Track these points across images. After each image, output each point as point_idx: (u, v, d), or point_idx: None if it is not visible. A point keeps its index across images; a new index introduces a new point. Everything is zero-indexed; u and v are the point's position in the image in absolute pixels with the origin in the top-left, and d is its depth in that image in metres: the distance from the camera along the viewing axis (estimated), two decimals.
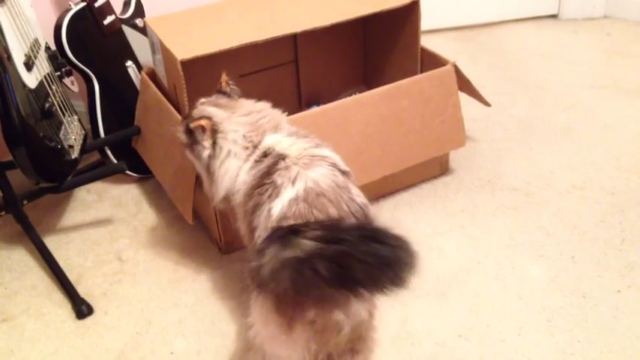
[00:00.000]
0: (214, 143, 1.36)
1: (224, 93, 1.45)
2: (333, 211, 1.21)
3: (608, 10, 2.63)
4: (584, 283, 1.55)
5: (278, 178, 1.25)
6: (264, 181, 1.27)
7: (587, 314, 1.47)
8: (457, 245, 1.69)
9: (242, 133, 1.36)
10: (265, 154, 1.33)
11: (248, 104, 1.42)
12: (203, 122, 1.35)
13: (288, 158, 1.27)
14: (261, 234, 1.24)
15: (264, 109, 1.42)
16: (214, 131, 1.36)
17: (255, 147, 1.36)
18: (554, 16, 2.68)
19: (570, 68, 2.37)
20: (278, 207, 1.21)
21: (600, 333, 1.42)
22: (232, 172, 1.35)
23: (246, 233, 1.35)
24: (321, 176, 1.24)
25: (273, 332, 1.18)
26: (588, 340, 1.41)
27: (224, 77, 1.46)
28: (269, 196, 1.25)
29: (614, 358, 1.37)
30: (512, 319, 1.47)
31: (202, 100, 1.44)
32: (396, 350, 1.42)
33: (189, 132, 1.38)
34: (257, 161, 1.34)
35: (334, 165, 1.28)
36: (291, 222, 1.18)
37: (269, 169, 1.30)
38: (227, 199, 1.38)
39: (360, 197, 1.27)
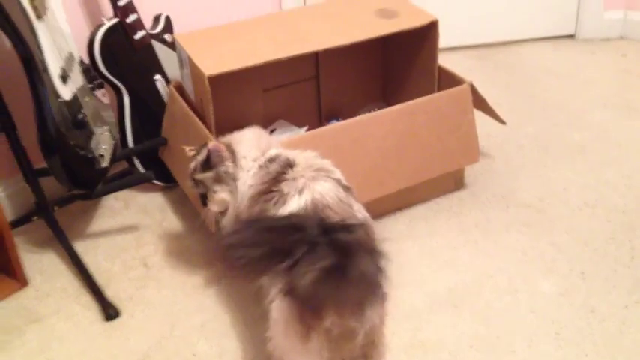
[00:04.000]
0: (233, 165, 1.45)
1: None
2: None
3: (624, 32, 2.68)
4: (592, 298, 1.60)
5: (285, 187, 1.33)
6: (272, 189, 1.35)
7: (595, 328, 1.52)
8: (470, 259, 1.74)
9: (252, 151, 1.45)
10: (271, 160, 1.42)
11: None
12: (220, 146, 1.45)
13: (295, 167, 1.36)
14: None
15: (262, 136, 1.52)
16: (233, 153, 1.46)
17: (262, 154, 1.45)
18: (571, 37, 2.73)
19: (585, 88, 2.42)
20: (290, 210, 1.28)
21: (607, 347, 1.47)
22: (241, 187, 1.44)
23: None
24: (326, 190, 1.31)
25: (293, 342, 1.24)
26: (595, 353, 1.46)
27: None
28: (275, 203, 1.32)
29: None
30: (522, 331, 1.53)
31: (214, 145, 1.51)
32: (409, 358, 1.48)
33: (208, 155, 1.46)
34: (261, 166, 1.42)
35: (338, 181, 1.36)
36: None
37: (277, 175, 1.37)
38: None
39: (361, 213, 1.34)
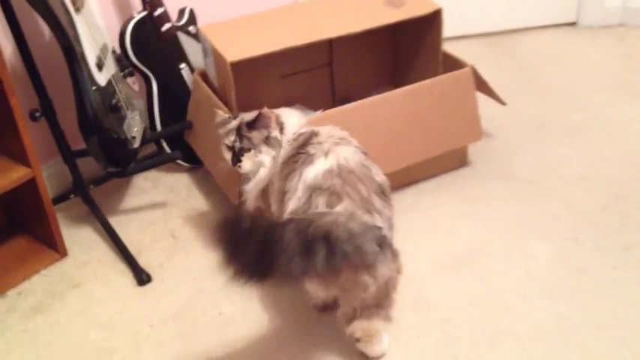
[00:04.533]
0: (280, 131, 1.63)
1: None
2: (362, 188, 1.42)
3: (624, 19, 2.80)
4: (584, 260, 1.73)
5: (311, 149, 1.49)
6: (299, 152, 1.51)
7: (586, 286, 1.66)
8: (472, 228, 1.89)
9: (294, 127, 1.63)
10: (300, 134, 1.59)
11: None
12: (270, 114, 1.62)
13: (320, 135, 1.53)
14: (291, 197, 1.46)
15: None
16: (281, 124, 1.64)
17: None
18: (572, 24, 2.85)
19: (585, 72, 2.55)
20: (312, 174, 1.43)
21: (597, 302, 1.61)
22: (274, 160, 1.61)
23: (276, 199, 1.57)
24: (349, 154, 1.47)
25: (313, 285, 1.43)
26: (586, 307, 1.60)
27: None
28: (302, 163, 1.48)
29: (607, 323, 1.56)
30: (518, 290, 1.67)
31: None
32: (414, 314, 1.63)
33: (256, 118, 1.62)
34: (293, 139, 1.59)
35: (357, 147, 1.52)
36: (325, 194, 1.39)
37: (304, 142, 1.54)
38: (264, 192, 1.64)
39: (378, 176, 1.50)
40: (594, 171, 2.04)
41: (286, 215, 1.46)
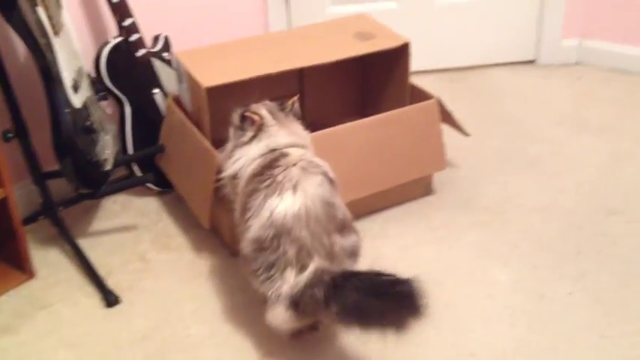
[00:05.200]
0: (254, 136, 1.65)
1: (284, 108, 1.72)
2: (325, 240, 1.52)
3: (580, 58, 2.93)
4: (542, 286, 1.81)
5: (279, 174, 1.53)
6: (265, 172, 1.56)
7: (544, 310, 1.73)
8: (437, 254, 1.95)
9: (274, 144, 1.64)
10: (273, 150, 1.62)
11: (294, 125, 1.71)
12: (257, 117, 1.65)
13: (289, 156, 1.57)
14: (254, 219, 1.53)
15: (300, 133, 1.71)
16: (260, 128, 1.65)
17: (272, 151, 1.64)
18: (531, 62, 2.98)
19: (543, 107, 2.66)
20: (280, 211, 1.50)
21: (553, 325, 1.68)
22: (247, 159, 1.64)
23: (239, 211, 1.63)
24: (316, 188, 1.53)
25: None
26: (543, 330, 1.67)
27: (293, 99, 1.73)
28: (268, 187, 1.53)
29: (562, 345, 1.63)
30: (480, 313, 1.73)
31: (265, 102, 1.73)
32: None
33: (243, 118, 1.66)
34: (263, 154, 1.62)
35: (325, 174, 1.57)
36: (295, 245, 1.49)
37: (271, 162, 1.58)
38: (234, 181, 1.66)
39: (341, 211, 1.57)
40: (552, 201, 2.13)
41: (250, 239, 1.54)
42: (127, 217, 2.18)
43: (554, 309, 1.73)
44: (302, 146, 1.67)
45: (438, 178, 2.21)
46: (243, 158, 1.66)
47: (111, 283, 1.89)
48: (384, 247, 1.98)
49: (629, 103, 2.65)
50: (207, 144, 1.90)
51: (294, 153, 1.60)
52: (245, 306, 1.79)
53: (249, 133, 1.66)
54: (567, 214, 2.07)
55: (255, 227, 1.54)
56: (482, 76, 2.91)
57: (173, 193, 2.22)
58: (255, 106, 1.71)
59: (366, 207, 2.07)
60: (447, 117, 2.13)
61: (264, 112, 1.69)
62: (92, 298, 1.87)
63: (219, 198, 1.87)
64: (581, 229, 2.00)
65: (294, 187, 1.52)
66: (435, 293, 1.78)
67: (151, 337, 1.73)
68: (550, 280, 1.83)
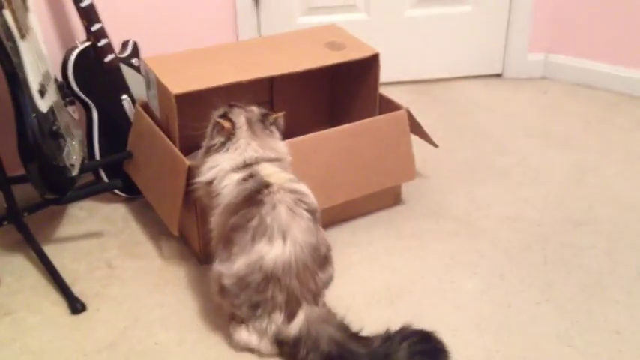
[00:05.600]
0: (223, 143, 1.65)
1: (265, 121, 1.72)
2: (311, 284, 1.57)
3: (546, 72, 2.99)
4: (510, 296, 1.83)
5: (267, 216, 1.53)
6: (249, 206, 1.55)
7: (511, 320, 1.75)
8: (405, 263, 1.96)
9: (244, 158, 1.64)
10: (251, 175, 1.61)
11: (270, 139, 1.71)
12: (227, 125, 1.66)
13: (271, 187, 1.56)
14: (238, 259, 1.55)
15: (276, 147, 1.71)
16: (229, 137, 1.66)
17: (246, 166, 1.64)
18: (498, 75, 3.03)
19: (510, 120, 2.70)
20: (271, 258, 1.52)
21: (520, 335, 1.70)
22: (220, 170, 1.64)
23: (217, 233, 1.63)
24: (304, 233, 1.55)
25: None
26: (511, 340, 1.68)
27: (279, 114, 1.75)
28: (255, 227, 1.53)
29: (530, 354, 1.64)
30: (448, 323, 1.74)
31: (250, 107, 1.73)
32: None
33: (215, 124, 1.68)
34: (244, 179, 1.61)
35: (310, 210, 1.59)
36: (284, 292, 1.53)
37: (253, 194, 1.57)
38: (208, 187, 1.66)
39: (323, 244, 1.61)
40: (518, 212, 2.16)
41: (234, 274, 1.56)
42: (93, 223, 2.15)
43: (521, 319, 1.75)
44: (275, 160, 1.68)
45: (407, 189, 2.22)
46: (216, 168, 1.66)
47: (77, 290, 1.86)
48: (353, 255, 1.98)
49: (593, 117, 2.71)
50: (176, 151, 1.88)
51: (274, 180, 1.60)
52: (213, 314, 1.77)
53: (219, 139, 1.66)
54: (534, 225, 2.10)
55: (240, 265, 1.54)
56: (449, 89, 2.95)
57: (141, 200, 2.19)
58: (236, 111, 1.71)
59: (336, 216, 2.07)
60: (415, 128, 2.15)
61: (242, 119, 1.69)
62: (57, 305, 1.83)
63: (189, 205, 1.86)
64: (548, 240, 2.03)
65: (284, 235, 1.53)
66: (404, 302, 1.81)
67: (117, 345, 1.70)
68: (518, 289, 1.85)
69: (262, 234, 1.53)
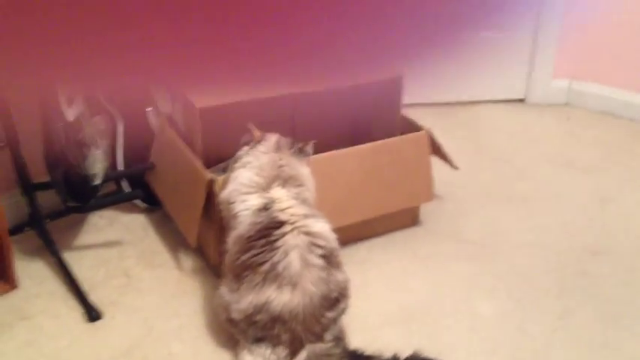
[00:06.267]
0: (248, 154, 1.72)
1: (295, 146, 1.77)
2: (316, 328, 1.57)
3: (570, 99, 2.99)
4: (525, 322, 1.81)
5: (280, 263, 1.53)
6: (262, 247, 1.56)
7: (526, 346, 1.73)
8: (421, 284, 1.96)
9: (264, 176, 1.67)
10: (266, 207, 1.61)
11: (295, 162, 1.74)
12: (258, 133, 1.76)
13: (284, 226, 1.57)
14: (247, 295, 1.56)
15: (301, 171, 1.73)
16: (257, 143, 1.75)
17: (264, 189, 1.65)
18: (521, 100, 3.03)
19: (532, 145, 2.70)
20: (279, 304, 1.53)
21: None
22: (240, 182, 1.67)
23: (229, 260, 1.64)
24: (316, 285, 1.55)
25: None
26: None
27: (310, 143, 1.80)
28: (266, 272, 1.54)
29: None
30: (462, 347, 1.73)
31: (275, 135, 1.79)
32: None
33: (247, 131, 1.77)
34: (260, 210, 1.62)
35: (324, 252, 1.58)
36: (289, 334, 1.54)
37: (266, 231, 1.57)
38: (228, 205, 1.68)
39: (336, 285, 1.59)
40: (537, 238, 2.15)
41: (243, 310, 1.57)
42: (113, 232, 2.18)
43: (536, 345, 1.74)
44: (295, 182, 1.68)
45: (425, 210, 2.23)
46: (234, 182, 1.68)
47: (94, 297, 1.88)
48: (370, 272, 1.98)
49: (615, 145, 2.69)
50: (198, 164, 1.90)
51: (285, 208, 1.60)
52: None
53: (245, 146, 1.73)
54: (552, 252, 2.09)
55: (248, 303, 1.56)
56: (473, 112, 2.95)
57: (160, 211, 2.22)
58: (269, 134, 1.77)
59: (353, 234, 2.08)
60: (436, 149, 2.15)
61: (273, 137, 1.76)
62: (74, 311, 1.85)
63: (208, 218, 1.88)
64: (566, 267, 2.02)
65: (295, 285, 1.53)
66: (419, 323, 1.81)
67: (131, 354, 1.71)
68: (533, 316, 1.84)
69: (273, 280, 1.53)
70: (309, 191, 1.72)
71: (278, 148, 1.74)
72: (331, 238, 1.62)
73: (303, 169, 1.75)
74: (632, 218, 2.25)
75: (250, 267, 1.56)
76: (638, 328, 1.79)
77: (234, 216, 1.65)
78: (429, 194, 2.14)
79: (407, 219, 2.19)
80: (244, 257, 1.58)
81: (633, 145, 2.70)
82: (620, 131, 2.79)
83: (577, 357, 1.70)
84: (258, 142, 1.75)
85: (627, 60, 2.82)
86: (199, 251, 2.06)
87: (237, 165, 1.74)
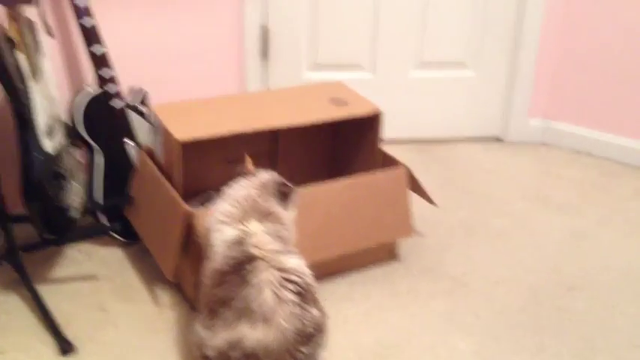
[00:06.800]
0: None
1: (281, 187, 1.75)
2: None
3: (545, 138, 3.03)
4: (503, 357, 1.82)
5: (253, 301, 1.52)
6: (235, 283, 1.55)
7: None
8: (400, 319, 1.95)
9: (241, 209, 1.67)
10: (240, 242, 1.61)
11: (275, 206, 1.71)
12: (250, 167, 1.79)
13: (257, 261, 1.56)
14: (219, 331, 1.55)
15: (280, 213, 1.71)
16: (247, 173, 1.76)
17: (240, 221, 1.65)
18: (499, 139, 3.08)
19: (508, 183, 2.73)
20: (252, 341, 1.51)
21: None
22: (218, 211, 1.68)
23: (203, 294, 1.63)
24: (289, 321, 1.52)
25: None
26: None
27: (296, 189, 1.77)
28: (239, 310, 1.53)
29: None
30: None
31: (269, 173, 1.78)
32: None
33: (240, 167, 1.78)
34: (234, 243, 1.61)
35: (297, 288, 1.55)
36: None
37: (239, 267, 1.56)
38: (208, 231, 1.68)
39: (312, 321, 1.56)
40: (514, 274, 2.17)
41: (216, 347, 1.55)
42: (90, 266, 2.16)
43: None
44: (272, 219, 1.67)
45: (404, 246, 2.24)
46: (215, 211, 1.68)
47: (69, 332, 1.85)
48: (348, 310, 1.98)
49: (590, 184, 2.74)
50: (176, 197, 1.90)
51: (258, 243, 1.59)
52: None
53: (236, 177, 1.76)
54: (529, 288, 2.10)
55: (222, 340, 1.54)
56: (450, 150, 2.99)
57: (139, 245, 2.20)
58: (262, 170, 1.78)
59: (331, 269, 2.08)
60: (415, 185, 2.17)
61: (264, 174, 1.75)
62: (48, 346, 1.82)
63: (185, 252, 1.87)
64: (542, 303, 2.03)
65: (268, 323, 1.52)
66: (397, 358, 1.80)
67: None
68: (510, 352, 1.84)
69: (246, 317, 1.52)
70: (288, 232, 1.70)
71: (262, 186, 1.72)
72: (306, 274, 1.61)
73: (282, 210, 1.73)
74: (607, 255, 2.28)
75: (224, 303, 1.56)
76: None
77: (212, 245, 1.65)
78: (408, 229, 2.15)
79: (386, 254, 2.20)
80: (218, 292, 1.57)
81: (609, 184, 2.74)
82: (596, 170, 2.84)
83: None
84: (246, 175, 1.74)
85: (603, 100, 2.88)
86: (177, 286, 2.05)
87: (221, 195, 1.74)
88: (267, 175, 1.76)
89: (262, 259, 1.57)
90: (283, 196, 1.73)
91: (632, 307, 2.02)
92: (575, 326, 1.94)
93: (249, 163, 1.81)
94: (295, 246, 1.69)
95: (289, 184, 1.77)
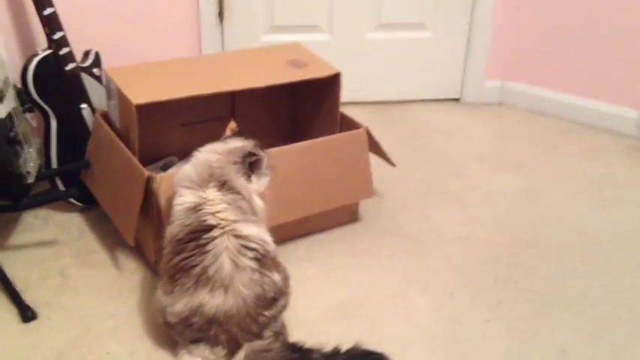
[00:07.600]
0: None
1: (247, 158, 1.70)
2: (253, 326, 1.57)
3: (502, 98, 3.07)
4: (460, 313, 1.86)
5: (210, 267, 1.53)
6: (192, 250, 1.55)
7: (461, 337, 1.78)
8: (360, 279, 1.98)
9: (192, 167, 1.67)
10: (196, 209, 1.59)
11: (239, 177, 1.68)
12: (227, 132, 1.78)
13: (214, 229, 1.56)
14: (180, 298, 1.56)
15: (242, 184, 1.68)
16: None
17: (199, 187, 1.64)
18: (456, 100, 3.10)
19: (465, 144, 2.77)
20: (212, 307, 1.53)
21: (470, 352, 1.73)
22: (179, 175, 1.68)
23: (163, 260, 1.63)
24: (248, 287, 1.55)
25: None
26: (461, 356, 1.72)
27: (262, 156, 1.74)
28: (197, 276, 1.54)
29: None
30: (400, 338, 1.77)
31: (238, 140, 1.76)
32: None
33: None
34: (190, 209, 1.60)
35: (256, 255, 1.57)
36: (226, 335, 1.55)
37: (195, 234, 1.56)
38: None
39: (272, 286, 1.59)
40: (471, 233, 2.21)
41: (177, 313, 1.57)
42: (47, 231, 2.13)
43: (471, 336, 1.79)
44: (233, 190, 1.65)
45: (365, 207, 2.26)
46: (178, 174, 1.68)
47: (28, 298, 1.84)
48: (309, 269, 2.00)
49: (545, 143, 2.79)
50: (135, 161, 1.88)
51: (217, 211, 1.59)
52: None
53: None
54: (485, 246, 2.15)
55: (183, 306, 1.56)
56: (409, 111, 3.01)
57: (97, 210, 2.18)
58: (233, 138, 1.77)
59: (292, 231, 2.09)
60: (374, 147, 2.19)
61: (233, 141, 1.74)
62: (7, 312, 1.80)
63: (145, 216, 1.86)
64: (498, 260, 2.08)
65: (226, 289, 1.53)
66: (357, 317, 1.83)
67: (67, 355, 1.68)
68: (468, 307, 1.89)
69: (204, 283, 1.53)
70: (248, 202, 1.66)
71: (228, 153, 1.69)
72: (266, 241, 1.62)
73: (243, 181, 1.67)
74: (561, 213, 2.33)
75: (182, 270, 1.56)
76: (567, 318, 1.86)
77: (173, 208, 1.64)
78: (369, 191, 2.17)
79: (346, 216, 2.22)
80: (176, 260, 1.57)
81: (562, 143, 2.80)
82: (550, 130, 2.89)
83: (510, 346, 1.76)
84: (221, 140, 1.74)
85: (556, 61, 2.92)
86: (137, 250, 2.04)
87: None
88: (237, 143, 1.73)
89: (218, 227, 1.57)
90: (250, 165, 1.69)
91: (584, 262, 2.09)
92: (531, 282, 2.00)
93: (230, 128, 1.78)
94: (265, 211, 1.71)
95: (260, 152, 1.72)
